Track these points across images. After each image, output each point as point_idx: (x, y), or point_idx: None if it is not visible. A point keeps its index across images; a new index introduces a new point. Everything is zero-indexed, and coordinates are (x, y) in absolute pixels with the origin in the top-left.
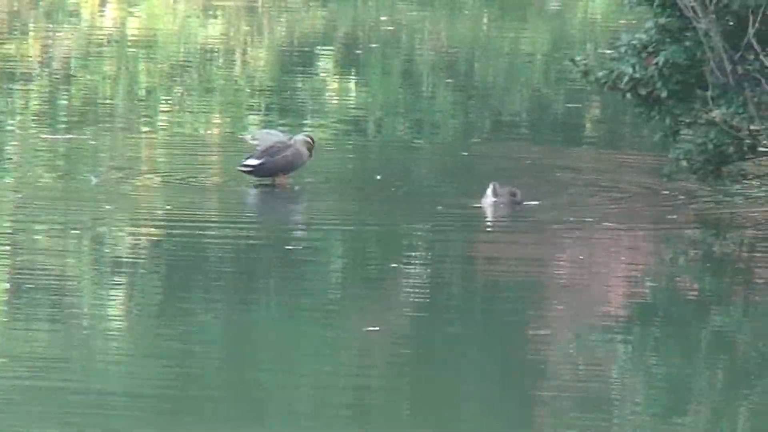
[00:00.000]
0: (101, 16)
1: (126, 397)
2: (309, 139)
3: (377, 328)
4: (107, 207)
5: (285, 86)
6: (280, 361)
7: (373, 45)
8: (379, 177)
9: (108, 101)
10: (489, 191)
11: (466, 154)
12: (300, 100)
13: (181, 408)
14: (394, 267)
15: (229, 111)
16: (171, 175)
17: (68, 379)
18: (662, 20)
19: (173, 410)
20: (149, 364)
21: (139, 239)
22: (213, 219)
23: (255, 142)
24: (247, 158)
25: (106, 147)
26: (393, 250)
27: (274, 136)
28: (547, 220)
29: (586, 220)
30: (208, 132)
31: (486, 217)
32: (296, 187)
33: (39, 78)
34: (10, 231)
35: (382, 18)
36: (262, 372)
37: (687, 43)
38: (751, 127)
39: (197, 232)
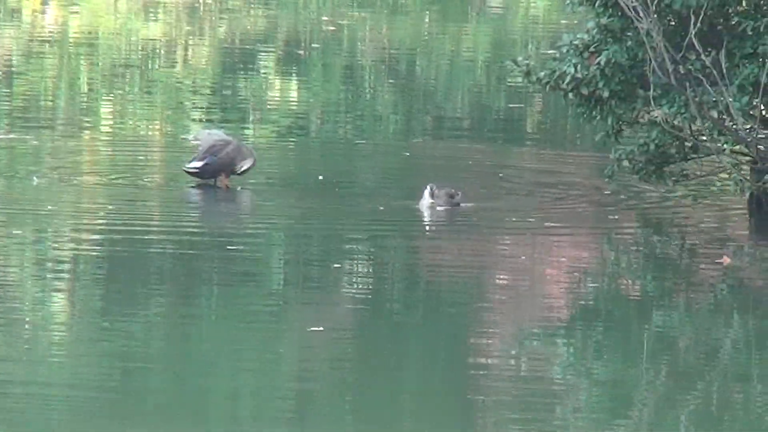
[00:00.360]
0: (42, 15)
1: (66, 397)
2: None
3: (321, 329)
4: (49, 207)
5: (226, 86)
6: (222, 361)
7: (315, 45)
8: (321, 177)
9: (50, 101)
10: (426, 193)
11: (408, 154)
12: (242, 100)
13: (121, 408)
14: (337, 267)
15: (171, 110)
16: (113, 175)
17: (9, 376)
18: (604, 20)
19: (113, 411)
20: (90, 364)
21: (81, 239)
22: (155, 219)
23: (197, 142)
24: (191, 161)
25: (48, 147)
26: (335, 251)
27: (215, 135)
28: (488, 221)
29: (528, 220)
30: (150, 131)
31: (426, 218)
32: (239, 188)
33: None
34: None
35: (324, 18)
36: (205, 373)
37: (629, 43)
38: (693, 127)
39: (139, 232)
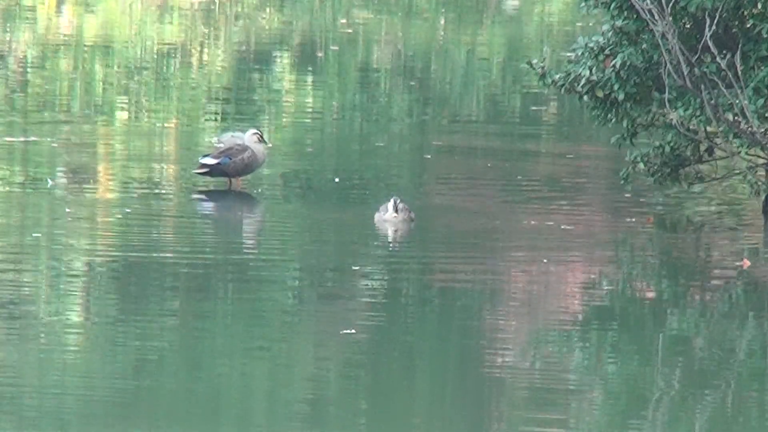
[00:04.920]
0: (57, 18)
1: (80, 401)
2: (257, 133)
3: (353, 331)
4: (65, 210)
5: (242, 88)
6: (236, 366)
7: (333, 48)
8: (337, 180)
9: (65, 102)
10: (390, 206)
11: (429, 156)
12: (258, 102)
13: (134, 412)
14: (355, 270)
15: (187, 112)
16: (128, 177)
17: (23, 385)
18: (619, 23)
19: (127, 415)
20: (104, 367)
21: (96, 242)
22: (170, 223)
23: (220, 146)
24: (205, 156)
25: (64, 149)
26: (351, 256)
27: (239, 138)
28: (506, 223)
29: (547, 223)
30: (165, 133)
31: (389, 232)
32: (255, 191)
33: None
34: None
35: (341, 21)
36: (219, 377)
37: (644, 46)
38: (708, 130)
39: (154, 236)
